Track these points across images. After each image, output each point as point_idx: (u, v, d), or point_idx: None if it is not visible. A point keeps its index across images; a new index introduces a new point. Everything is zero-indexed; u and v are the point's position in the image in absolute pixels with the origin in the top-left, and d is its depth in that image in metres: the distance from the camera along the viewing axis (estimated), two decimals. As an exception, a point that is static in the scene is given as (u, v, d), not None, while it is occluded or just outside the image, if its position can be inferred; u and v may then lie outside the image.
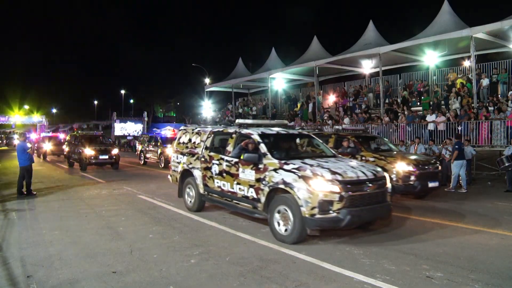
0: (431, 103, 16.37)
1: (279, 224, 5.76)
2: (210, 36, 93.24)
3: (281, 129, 7.67)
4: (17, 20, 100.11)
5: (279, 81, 25.17)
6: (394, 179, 8.76)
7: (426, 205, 8.82)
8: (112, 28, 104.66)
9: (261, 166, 6.18)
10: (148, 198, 9.50)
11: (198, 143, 8.04)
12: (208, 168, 7.39)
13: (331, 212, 5.28)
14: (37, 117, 47.67)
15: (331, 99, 22.53)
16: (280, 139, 7.41)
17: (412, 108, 16.76)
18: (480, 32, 14.22)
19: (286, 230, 5.64)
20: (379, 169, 6.36)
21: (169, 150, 17.12)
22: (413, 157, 9.78)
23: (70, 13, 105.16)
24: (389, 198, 6.10)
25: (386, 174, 6.28)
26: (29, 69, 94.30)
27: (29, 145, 10.72)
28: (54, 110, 71.31)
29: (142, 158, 20.34)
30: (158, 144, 18.59)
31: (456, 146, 10.77)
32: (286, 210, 5.60)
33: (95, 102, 68.50)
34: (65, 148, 19.63)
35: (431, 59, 18.59)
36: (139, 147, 21.48)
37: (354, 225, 5.73)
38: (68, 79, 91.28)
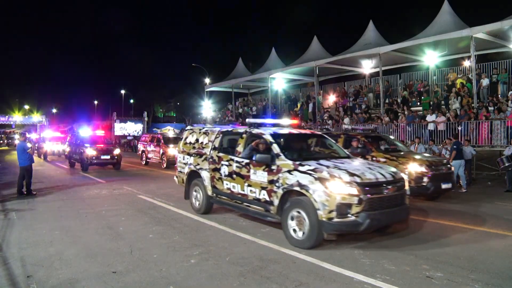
0: (431, 103, 16.38)
1: (293, 228, 5.52)
2: (210, 36, 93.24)
3: (292, 128, 7.49)
4: (17, 20, 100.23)
5: (279, 81, 25.17)
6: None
7: (424, 205, 8.81)
8: (112, 28, 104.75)
9: (274, 167, 5.95)
10: (148, 198, 9.50)
11: (206, 144, 7.77)
12: (217, 169, 7.16)
13: (349, 215, 5.07)
14: (37, 117, 47.74)
15: (331, 99, 22.53)
16: (292, 139, 7.21)
17: (412, 108, 16.78)
18: (480, 32, 14.23)
19: (301, 234, 5.40)
20: (397, 170, 6.16)
21: (172, 150, 17.11)
22: (425, 157, 9.55)
23: (70, 13, 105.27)
24: (407, 200, 5.91)
25: (404, 176, 6.08)
26: (29, 69, 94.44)
27: (29, 145, 10.73)
28: (54, 110, 71.32)
29: (143, 158, 20.19)
30: (160, 144, 18.41)
31: (454, 146, 10.78)
32: (302, 214, 5.37)
33: (95, 102, 68.54)
34: (66, 148, 19.59)
35: (431, 59, 18.60)
36: (140, 147, 21.26)
37: (372, 229, 5.51)
38: (68, 79, 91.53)
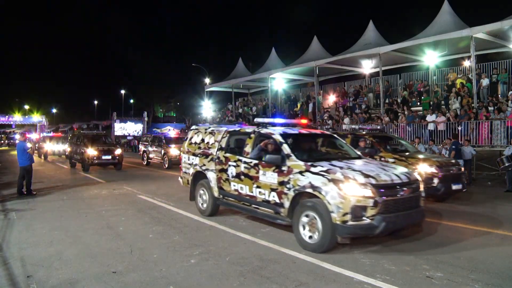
0: (431, 103, 16.38)
1: (305, 231, 5.35)
2: (210, 36, 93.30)
3: (301, 128, 7.34)
4: (17, 20, 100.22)
5: (279, 81, 25.17)
6: None
7: (427, 206, 8.79)
8: (112, 28, 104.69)
9: (284, 168, 5.76)
10: (149, 198, 9.50)
11: (212, 144, 7.54)
12: (224, 170, 6.95)
13: (364, 218, 4.91)
14: (37, 117, 47.75)
15: (331, 99, 22.53)
16: (302, 139, 7.04)
17: (412, 108, 16.77)
18: (480, 32, 14.23)
19: (313, 237, 5.23)
20: (412, 171, 6.05)
21: (173, 151, 17.07)
22: (435, 158, 9.40)
23: (70, 12, 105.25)
24: (422, 203, 5.75)
25: (419, 177, 5.93)
26: (29, 69, 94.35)
27: (29, 145, 10.73)
28: (54, 110, 71.33)
29: (145, 158, 20.13)
30: (162, 144, 18.32)
31: (453, 146, 10.79)
32: (314, 217, 5.19)
33: (95, 102, 68.54)
34: (67, 148, 19.54)
35: (431, 59, 18.59)
36: (141, 147, 21.15)
37: (388, 232, 5.37)
38: (68, 79, 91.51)
